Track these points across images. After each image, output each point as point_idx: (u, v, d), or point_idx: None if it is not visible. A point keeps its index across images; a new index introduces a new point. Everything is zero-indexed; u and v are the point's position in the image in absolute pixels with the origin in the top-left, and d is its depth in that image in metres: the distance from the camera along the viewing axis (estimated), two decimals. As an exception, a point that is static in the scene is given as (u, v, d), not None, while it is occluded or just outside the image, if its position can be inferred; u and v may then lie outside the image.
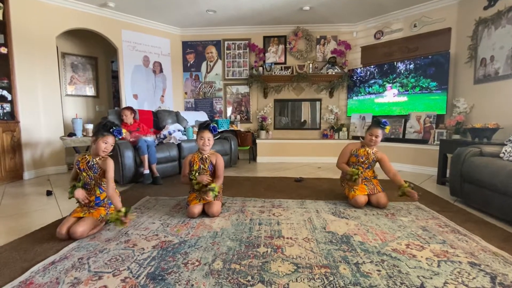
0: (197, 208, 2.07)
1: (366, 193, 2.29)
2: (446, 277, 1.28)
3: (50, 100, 3.87)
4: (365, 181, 2.37)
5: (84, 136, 3.06)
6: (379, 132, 2.30)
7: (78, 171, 1.88)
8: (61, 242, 1.67)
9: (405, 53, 4.34)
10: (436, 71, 3.92)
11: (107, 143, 1.87)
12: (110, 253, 1.53)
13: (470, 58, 3.54)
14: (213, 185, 2.07)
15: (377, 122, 2.33)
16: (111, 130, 1.88)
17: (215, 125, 2.24)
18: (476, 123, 3.06)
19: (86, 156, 1.90)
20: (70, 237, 1.69)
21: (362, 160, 2.37)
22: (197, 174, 2.17)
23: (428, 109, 4.02)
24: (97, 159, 1.88)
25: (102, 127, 1.88)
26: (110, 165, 1.88)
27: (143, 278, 1.29)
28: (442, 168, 3.16)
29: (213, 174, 2.24)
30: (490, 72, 3.24)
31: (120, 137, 1.96)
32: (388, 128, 2.32)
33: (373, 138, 2.31)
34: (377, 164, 2.41)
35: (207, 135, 2.18)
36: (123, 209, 1.77)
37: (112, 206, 1.90)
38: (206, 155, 2.22)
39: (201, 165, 2.20)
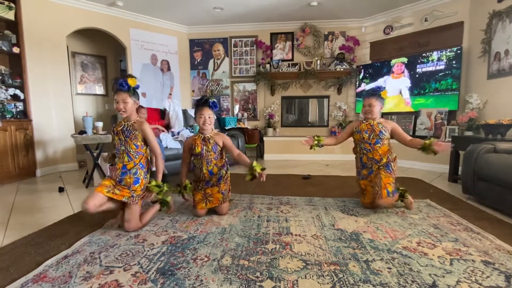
0: (203, 211, 2.03)
1: (371, 200, 2.10)
2: (459, 275, 1.26)
3: (61, 98, 3.94)
4: (370, 176, 2.12)
5: (95, 133, 3.10)
6: (372, 100, 2.10)
7: (113, 134, 1.82)
8: (73, 237, 1.71)
9: (415, 48, 4.24)
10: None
11: (118, 102, 1.74)
12: (120, 248, 1.55)
13: (483, 53, 3.44)
14: (254, 163, 1.89)
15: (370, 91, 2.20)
16: (118, 87, 1.72)
17: (215, 100, 2.03)
18: (490, 119, 2.98)
19: (122, 121, 1.82)
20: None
21: (366, 135, 2.11)
22: (187, 188, 2.07)
23: (440, 105, 3.93)
24: (131, 122, 1.79)
25: (112, 89, 1.75)
26: (146, 129, 1.78)
27: (153, 273, 1.30)
28: (454, 165, 3.10)
29: (219, 156, 2.07)
30: (505, 67, 3.14)
31: (127, 86, 1.74)
32: (384, 92, 2.14)
33: (367, 107, 2.13)
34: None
35: (207, 112, 1.97)
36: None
37: (136, 185, 1.77)
38: (209, 135, 2.02)
39: (204, 147, 1.99)
